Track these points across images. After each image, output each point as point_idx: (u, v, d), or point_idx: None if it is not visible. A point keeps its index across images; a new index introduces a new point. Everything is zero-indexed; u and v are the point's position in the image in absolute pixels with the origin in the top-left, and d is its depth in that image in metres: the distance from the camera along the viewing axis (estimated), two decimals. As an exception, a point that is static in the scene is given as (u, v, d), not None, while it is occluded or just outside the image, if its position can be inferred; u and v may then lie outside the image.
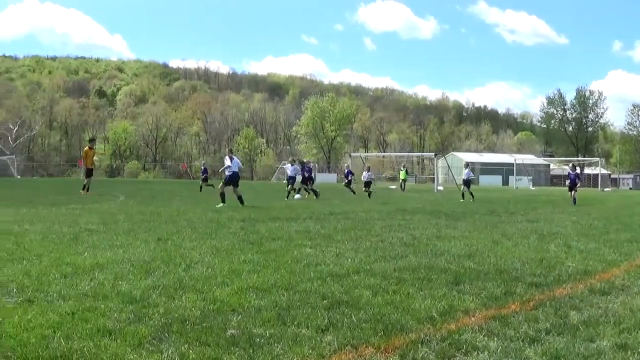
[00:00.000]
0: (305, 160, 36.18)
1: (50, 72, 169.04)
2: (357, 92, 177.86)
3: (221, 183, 22.44)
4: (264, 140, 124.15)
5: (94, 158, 28.56)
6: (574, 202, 27.32)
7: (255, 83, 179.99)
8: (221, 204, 21.13)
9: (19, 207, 19.15)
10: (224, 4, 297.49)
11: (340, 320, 5.81)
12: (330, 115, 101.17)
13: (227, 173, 22.17)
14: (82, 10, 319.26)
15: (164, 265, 8.57)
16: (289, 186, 29.17)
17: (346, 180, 36.44)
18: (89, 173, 28.29)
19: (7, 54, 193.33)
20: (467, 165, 33.94)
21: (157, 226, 14.12)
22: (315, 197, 28.74)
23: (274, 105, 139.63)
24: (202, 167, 41.48)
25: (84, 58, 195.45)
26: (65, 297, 6.55)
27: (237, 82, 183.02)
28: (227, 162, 22.24)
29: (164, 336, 5.25)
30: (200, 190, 34.46)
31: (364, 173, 35.40)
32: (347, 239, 12.14)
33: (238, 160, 22.64)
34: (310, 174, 31.30)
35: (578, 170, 28.21)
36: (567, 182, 30.33)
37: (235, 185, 22.28)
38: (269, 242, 11.40)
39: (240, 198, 21.92)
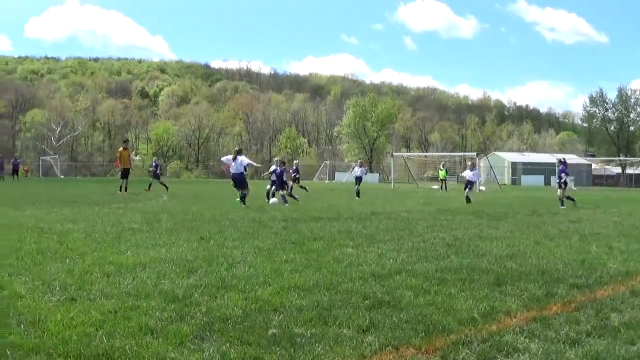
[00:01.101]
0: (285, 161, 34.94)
1: (92, 73, 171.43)
2: (398, 91, 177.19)
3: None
4: (306, 140, 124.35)
5: (136, 158, 28.84)
6: (562, 204, 24.52)
7: (297, 83, 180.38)
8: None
9: (62, 207, 19.46)
10: (264, 3, 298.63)
11: (381, 320, 5.81)
12: (372, 115, 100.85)
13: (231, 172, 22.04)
14: (123, 12, 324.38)
15: (206, 265, 8.63)
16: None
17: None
18: (124, 173, 28.73)
19: (49, 55, 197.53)
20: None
21: (199, 225, 14.23)
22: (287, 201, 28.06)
23: (316, 105, 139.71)
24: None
25: (125, 59, 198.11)
26: (107, 295, 6.65)
27: (278, 83, 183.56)
28: (229, 162, 22.01)
29: (206, 335, 5.29)
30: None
31: (356, 168, 33.25)
32: (389, 239, 12.11)
33: (244, 160, 21.94)
34: (297, 174, 30.73)
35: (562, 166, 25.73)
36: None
37: (239, 187, 22.00)
38: (311, 242, 11.41)
39: (243, 198, 21.54)
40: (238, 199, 21.58)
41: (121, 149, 29.64)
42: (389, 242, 11.65)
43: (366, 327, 5.59)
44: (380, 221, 16.19)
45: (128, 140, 35.22)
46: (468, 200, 26.41)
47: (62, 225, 13.64)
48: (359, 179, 30.98)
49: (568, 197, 25.05)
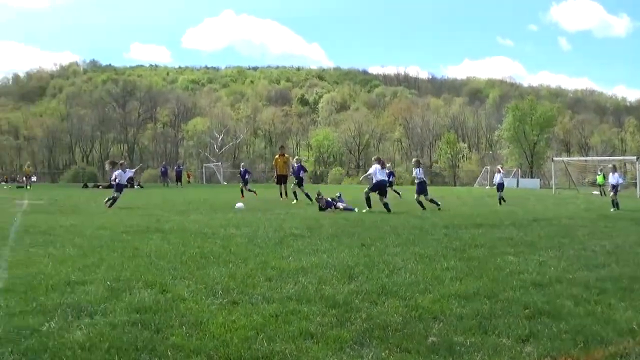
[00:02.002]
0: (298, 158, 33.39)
1: (252, 82, 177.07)
2: (556, 94, 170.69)
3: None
4: (466, 145, 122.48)
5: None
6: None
7: (455, 87, 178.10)
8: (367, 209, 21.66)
9: (225, 212, 20.14)
10: (418, 8, 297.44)
11: (541, 330, 5.72)
12: (531, 118, 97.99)
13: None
14: (279, 21, 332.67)
15: (367, 271, 8.65)
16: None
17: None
18: (280, 180, 29.18)
19: (208, 65, 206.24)
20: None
21: (360, 232, 14.28)
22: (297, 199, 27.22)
23: (475, 109, 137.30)
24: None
25: (284, 67, 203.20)
26: (269, 299, 6.79)
27: (436, 87, 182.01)
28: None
29: (365, 341, 5.32)
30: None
31: (496, 175, 31.01)
32: (550, 247, 11.82)
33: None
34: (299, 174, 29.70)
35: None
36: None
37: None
38: (472, 249, 11.29)
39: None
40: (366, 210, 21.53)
41: (277, 155, 30.22)
42: (550, 250, 11.38)
43: (525, 336, 5.53)
44: (541, 228, 15.82)
45: (284, 146, 35.68)
46: (615, 205, 25.23)
47: (226, 230, 14.12)
48: (500, 186, 29.84)
49: None
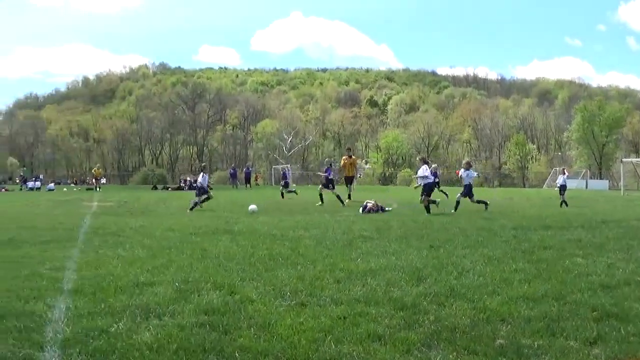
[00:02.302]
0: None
1: (321, 84, 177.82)
2: (626, 94, 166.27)
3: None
4: (535, 147, 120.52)
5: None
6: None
7: (524, 88, 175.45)
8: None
9: (294, 214, 20.27)
10: (485, 9, 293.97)
11: (608, 333, 5.65)
12: (599, 119, 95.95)
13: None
14: (347, 22, 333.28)
15: (435, 273, 8.62)
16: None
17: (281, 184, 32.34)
18: (347, 181, 29.26)
19: (277, 67, 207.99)
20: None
21: (429, 233, 14.20)
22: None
23: (544, 110, 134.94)
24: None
25: (353, 69, 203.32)
26: (337, 301, 6.80)
27: (506, 88, 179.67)
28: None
29: (433, 343, 5.32)
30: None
31: (559, 177, 31.05)
32: (619, 249, 11.57)
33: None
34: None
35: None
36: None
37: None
38: (541, 251, 11.17)
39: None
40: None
41: (345, 157, 29.98)
42: (619, 252, 11.15)
43: (593, 339, 5.48)
44: (610, 230, 15.48)
45: (351, 148, 35.99)
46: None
47: (294, 232, 14.22)
48: (563, 188, 29.23)
49: None
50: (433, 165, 26.49)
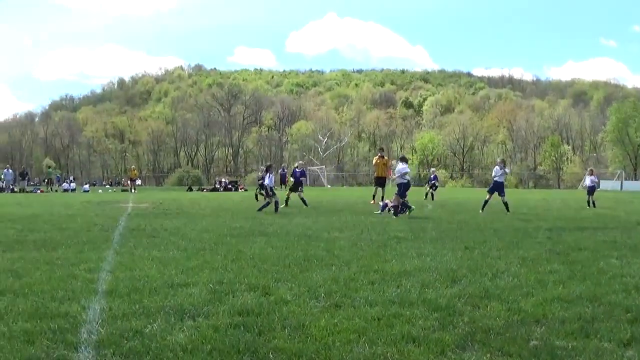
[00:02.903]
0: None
1: (356, 85, 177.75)
2: None
3: None
4: (570, 148, 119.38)
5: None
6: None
7: (559, 89, 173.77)
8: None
9: (329, 215, 20.28)
10: (519, 9, 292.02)
11: None
12: (634, 120, 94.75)
13: None
14: (382, 23, 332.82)
15: (470, 274, 8.63)
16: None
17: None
18: (379, 182, 28.64)
19: (314, 69, 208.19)
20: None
21: (464, 235, 14.21)
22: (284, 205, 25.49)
23: (579, 111, 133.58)
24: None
25: (389, 70, 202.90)
26: (371, 303, 6.81)
27: (541, 89, 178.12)
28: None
29: (467, 345, 5.33)
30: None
31: (587, 178, 30.94)
32: None
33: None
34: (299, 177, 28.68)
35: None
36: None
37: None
38: (575, 253, 11.20)
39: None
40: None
41: (377, 157, 29.74)
42: None
43: (627, 341, 5.46)
44: None
45: (383, 149, 35.76)
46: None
47: (329, 234, 14.26)
48: (592, 189, 28.75)
49: None
50: (432, 169, 26.32)
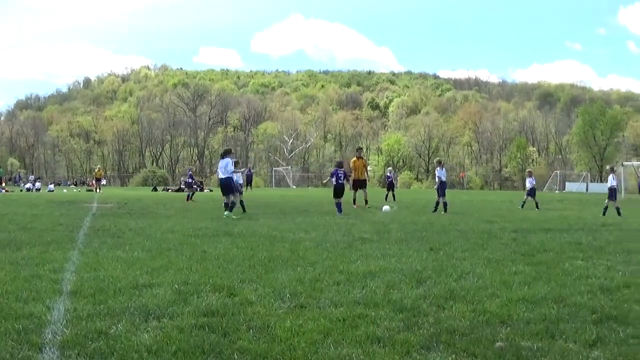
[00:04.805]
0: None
1: (322, 86, 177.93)
2: (627, 98, 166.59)
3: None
4: (535, 150, 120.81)
5: (368, 169, 27.96)
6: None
7: (526, 91, 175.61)
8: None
9: (295, 216, 20.28)
10: (485, 12, 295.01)
11: (608, 335, 5.70)
12: (600, 123, 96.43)
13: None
14: (347, 24, 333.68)
15: (435, 275, 8.65)
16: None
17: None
18: (356, 184, 27.14)
19: (279, 69, 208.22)
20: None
21: (429, 236, 14.27)
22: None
23: (544, 113, 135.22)
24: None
25: (355, 71, 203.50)
26: (336, 303, 6.81)
27: (507, 91, 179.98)
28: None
29: (433, 346, 5.34)
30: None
31: (527, 179, 30.63)
32: (619, 252, 11.73)
33: (226, 163, 21.10)
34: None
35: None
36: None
37: (225, 193, 21.14)
38: (540, 254, 11.29)
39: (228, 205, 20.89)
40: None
41: (354, 158, 28.29)
42: (618, 255, 11.31)
43: (592, 341, 5.51)
44: (610, 233, 15.73)
45: (362, 148, 33.63)
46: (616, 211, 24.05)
47: (294, 234, 14.26)
48: (532, 191, 28.69)
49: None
50: (389, 169, 26.31)
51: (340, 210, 21.48)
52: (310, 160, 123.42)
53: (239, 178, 24.03)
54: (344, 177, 22.38)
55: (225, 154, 21.82)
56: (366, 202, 27.12)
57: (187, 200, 31.98)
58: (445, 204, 23.24)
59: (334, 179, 22.16)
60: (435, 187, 24.65)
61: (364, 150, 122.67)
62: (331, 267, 9.24)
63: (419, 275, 8.57)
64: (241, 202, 23.25)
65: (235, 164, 23.30)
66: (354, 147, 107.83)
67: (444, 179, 24.15)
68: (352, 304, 6.79)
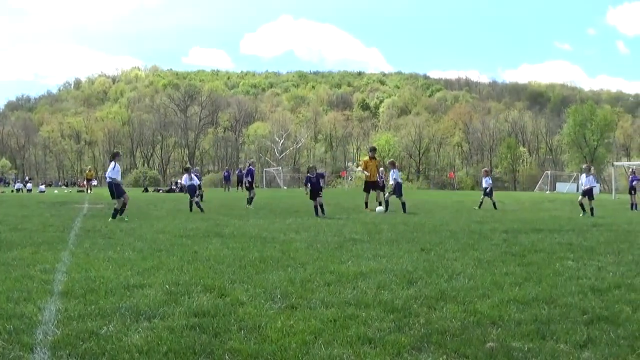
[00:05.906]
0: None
1: (313, 87, 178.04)
2: (617, 98, 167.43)
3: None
4: (526, 150, 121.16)
5: (356, 169, 27.82)
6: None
7: (516, 92, 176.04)
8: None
9: (285, 217, 20.27)
10: (475, 12, 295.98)
11: (599, 336, 5.70)
12: (591, 123, 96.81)
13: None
14: (337, 25, 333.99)
15: (426, 276, 8.64)
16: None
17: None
18: (370, 187, 25.81)
19: (270, 70, 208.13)
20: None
21: (420, 237, 14.25)
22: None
23: (535, 114, 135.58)
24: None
25: (346, 72, 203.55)
26: (327, 304, 6.80)
27: (497, 91, 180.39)
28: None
29: (423, 346, 5.34)
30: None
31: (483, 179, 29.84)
32: (609, 252, 11.72)
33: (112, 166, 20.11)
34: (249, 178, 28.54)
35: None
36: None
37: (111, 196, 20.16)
38: (532, 254, 11.27)
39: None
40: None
41: (367, 158, 26.97)
42: (609, 255, 11.28)
43: (583, 342, 5.51)
44: (601, 233, 15.73)
45: (375, 148, 30.49)
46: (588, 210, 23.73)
47: (285, 235, 14.25)
48: (489, 191, 28.20)
49: None
50: (380, 169, 26.21)
51: (316, 213, 21.64)
52: (301, 160, 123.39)
53: (195, 181, 24.68)
54: (317, 179, 22.34)
55: (114, 156, 20.96)
56: (380, 203, 25.17)
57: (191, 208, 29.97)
58: (403, 204, 23.57)
59: (308, 186, 22.47)
60: (391, 190, 24.45)
61: (355, 150, 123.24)
62: (322, 268, 9.23)
63: (410, 276, 8.55)
64: (197, 203, 23.79)
65: (187, 170, 25.56)
66: (344, 148, 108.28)
67: (399, 180, 24.27)
68: (343, 304, 6.77)
